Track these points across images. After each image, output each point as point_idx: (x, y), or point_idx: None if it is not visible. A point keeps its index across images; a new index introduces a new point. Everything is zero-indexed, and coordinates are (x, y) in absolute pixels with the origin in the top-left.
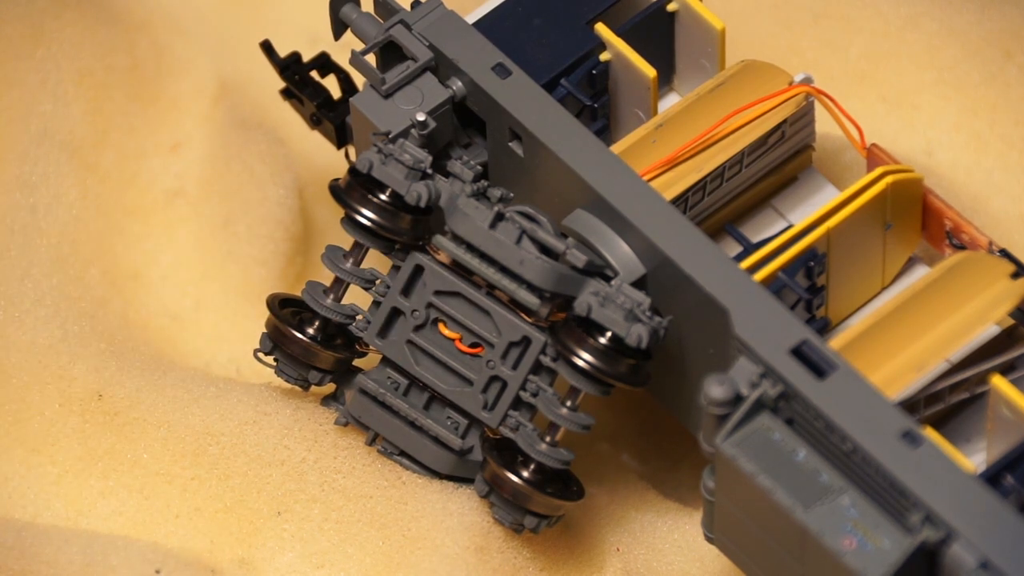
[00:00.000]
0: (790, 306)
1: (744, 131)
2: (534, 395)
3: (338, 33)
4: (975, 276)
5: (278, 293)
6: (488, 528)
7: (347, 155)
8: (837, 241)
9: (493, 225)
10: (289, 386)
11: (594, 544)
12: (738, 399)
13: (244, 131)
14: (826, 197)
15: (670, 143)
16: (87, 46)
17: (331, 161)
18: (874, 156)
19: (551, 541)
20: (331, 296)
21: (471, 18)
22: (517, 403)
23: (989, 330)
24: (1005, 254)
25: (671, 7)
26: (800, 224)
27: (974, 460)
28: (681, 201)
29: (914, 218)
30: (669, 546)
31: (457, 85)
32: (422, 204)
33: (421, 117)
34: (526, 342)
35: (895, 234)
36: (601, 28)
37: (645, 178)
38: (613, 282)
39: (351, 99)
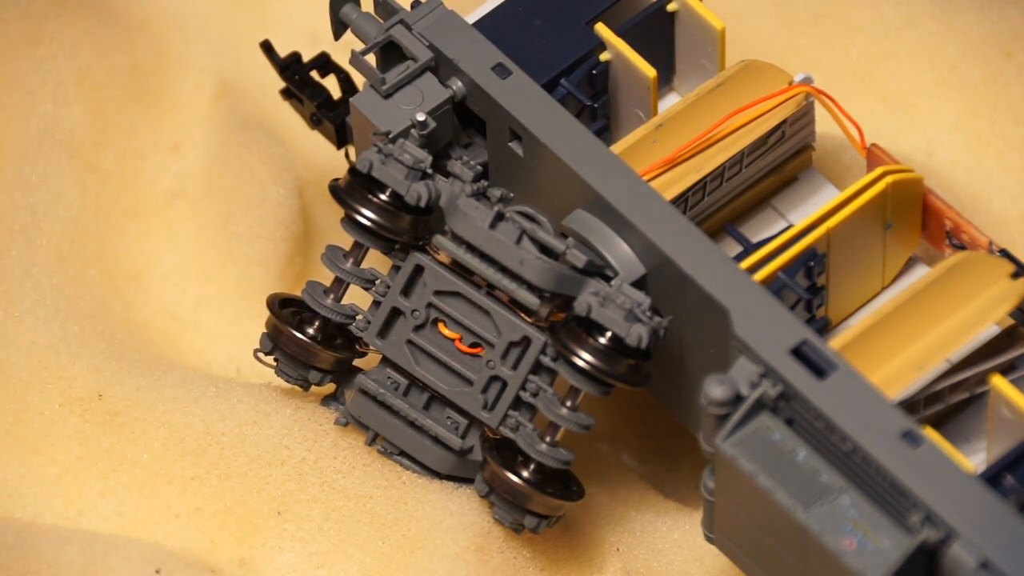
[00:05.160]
0: (790, 306)
1: (744, 131)
2: (534, 395)
3: (338, 33)
4: (975, 276)
5: (278, 293)
6: (488, 528)
7: (347, 155)
8: (837, 241)
9: (493, 225)
10: (289, 386)
11: (594, 544)
12: (738, 399)
13: (244, 131)
14: (826, 197)
15: (670, 143)
16: (87, 46)
17: (331, 161)
18: (874, 156)
19: (551, 541)
20: (331, 296)
21: (471, 18)
22: (517, 403)
23: (989, 330)
24: (1005, 254)
25: (671, 7)
26: (800, 224)
27: (974, 460)
28: (681, 201)
29: (914, 218)
30: (669, 546)
31: (457, 85)
32: (422, 204)
33: (421, 117)
34: (526, 342)
35: (895, 234)
36: (601, 28)
37: (645, 178)
38: (613, 282)
39: (351, 99)
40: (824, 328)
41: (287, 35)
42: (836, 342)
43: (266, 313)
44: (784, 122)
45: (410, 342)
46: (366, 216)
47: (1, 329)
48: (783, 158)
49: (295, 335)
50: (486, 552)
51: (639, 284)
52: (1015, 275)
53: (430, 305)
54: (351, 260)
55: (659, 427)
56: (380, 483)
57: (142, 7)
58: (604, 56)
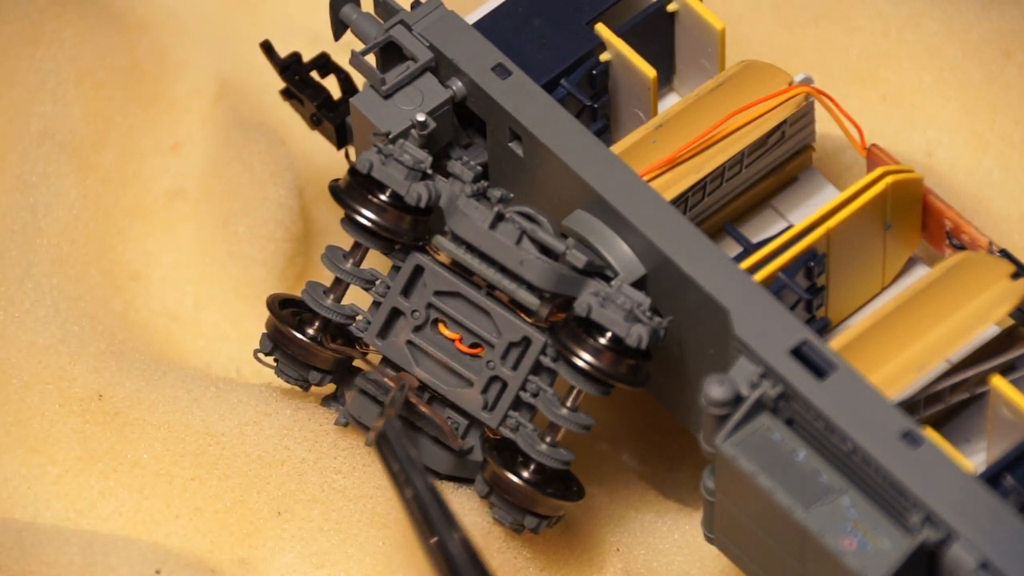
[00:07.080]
0: (790, 306)
1: (744, 131)
2: (534, 395)
3: (338, 33)
4: (975, 276)
5: (278, 293)
6: (488, 528)
7: (347, 155)
8: (837, 241)
9: (493, 225)
10: (289, 386)
11: (594, 544)
12: (738, 399)
13: (244, 131)
14: (826, 197)
15: (670, 143)
16: (87, 46)
17: (331, 161)
18: (874, 156)
19: (551, 541)
20: (331, 296)
21: (471, 18)
22: (517, 403)
23: (989, 330)
24: (1005, 254)
25: (671, 7)
26: (800, 224)
27: (974, 460)
28: (681, 201)
29: (914, 218)
30: (669, 546)
31: (457, 85)
32: (422, 204)
33: (421, 117)
34: (526, 342)
35: (895, 234)
36: (601, 28)
37: (645, 178)
38: (613, 282)
39: (351, 99)
40: (824, 328)
41: (287, 35)
42: (836, 342)
43: (266, 313)
44: (784, 122)
45: (410, 342)
46: (366, 216)
47: (1, 329)
48: (783, 158)
49: (295, 335)
50: (486, 552)
51: (639, 284)
52: (1015, 275)
53: (430, 305)
54: (351, 260)
55: (659, 427)
56: (380, 483)
57: (142, 7)
58: (604, 56)
